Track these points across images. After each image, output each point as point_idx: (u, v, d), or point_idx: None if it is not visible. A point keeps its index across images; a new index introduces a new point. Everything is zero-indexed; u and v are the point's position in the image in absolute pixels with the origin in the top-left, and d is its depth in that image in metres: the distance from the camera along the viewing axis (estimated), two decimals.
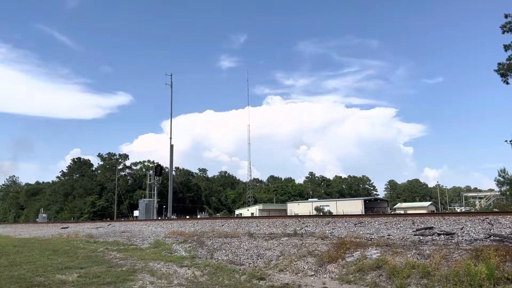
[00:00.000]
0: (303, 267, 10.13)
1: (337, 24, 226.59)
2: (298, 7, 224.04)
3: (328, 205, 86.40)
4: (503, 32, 32.60)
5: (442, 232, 11.26)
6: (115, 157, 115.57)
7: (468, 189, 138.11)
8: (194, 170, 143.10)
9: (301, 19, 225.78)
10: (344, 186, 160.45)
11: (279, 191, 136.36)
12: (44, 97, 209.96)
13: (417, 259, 8.78)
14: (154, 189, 53.25)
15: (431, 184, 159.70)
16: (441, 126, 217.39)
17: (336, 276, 9.16)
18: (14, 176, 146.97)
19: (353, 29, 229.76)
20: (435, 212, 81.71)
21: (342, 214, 41.47)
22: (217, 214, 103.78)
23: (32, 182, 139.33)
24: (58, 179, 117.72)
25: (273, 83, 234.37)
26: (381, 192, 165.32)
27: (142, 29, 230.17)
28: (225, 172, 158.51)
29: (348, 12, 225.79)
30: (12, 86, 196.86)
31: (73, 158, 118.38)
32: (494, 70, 33.19)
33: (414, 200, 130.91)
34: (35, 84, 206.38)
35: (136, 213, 63.87)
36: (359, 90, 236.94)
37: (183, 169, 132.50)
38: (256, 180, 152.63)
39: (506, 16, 32.31)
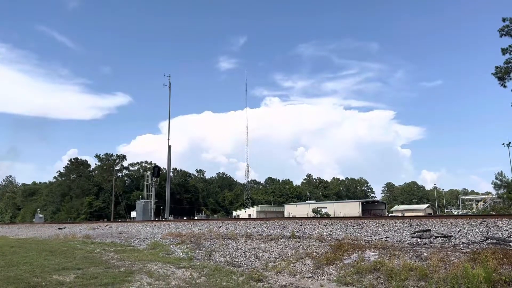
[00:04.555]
0: (301, 269, 10.13)
1: (336, 27, 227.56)
2: (298, 10, 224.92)
3: (325, 207, 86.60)
4: (501, 36, 32.81)
5: (439, 235, 11.28)
6: (112, 157, 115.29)
7: (465, 192, 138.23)
8: (192, 171, 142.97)
9: (301, 21, 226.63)
10: (341, 188, 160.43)
11: (277, 192, 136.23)
12: (43, 98, 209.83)
13: (415, 261, 8.80)
14: (151, 190, 53.05)
15: (428, 187, 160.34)
16: (439, 129, 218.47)
17: (334, 278, 9.17)
18: (10, 176, 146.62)
19: (352, 32, 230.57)
20: (432, 214, 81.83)
21: (340, 216, 41.45)
22: (215, 216, 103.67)
23: (29, 182, 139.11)
24: (55, 180, 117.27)
25: (272, 85, 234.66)
26: (378, 195, 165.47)
27: (142, 31, 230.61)
28: (223, 173, 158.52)
29: (347, 15, 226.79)
30: (11, 86, 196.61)
31: (70, 159, 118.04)
32: (492, 74, 33.38)
33: (411, 203, 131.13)
34: (34, 84, 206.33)
35: (133, 214, 63.68)
36: (358, 93, 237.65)
37: (181, 170, 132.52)
38: (253, 182, 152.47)
39: (503, 20, 32.49)
